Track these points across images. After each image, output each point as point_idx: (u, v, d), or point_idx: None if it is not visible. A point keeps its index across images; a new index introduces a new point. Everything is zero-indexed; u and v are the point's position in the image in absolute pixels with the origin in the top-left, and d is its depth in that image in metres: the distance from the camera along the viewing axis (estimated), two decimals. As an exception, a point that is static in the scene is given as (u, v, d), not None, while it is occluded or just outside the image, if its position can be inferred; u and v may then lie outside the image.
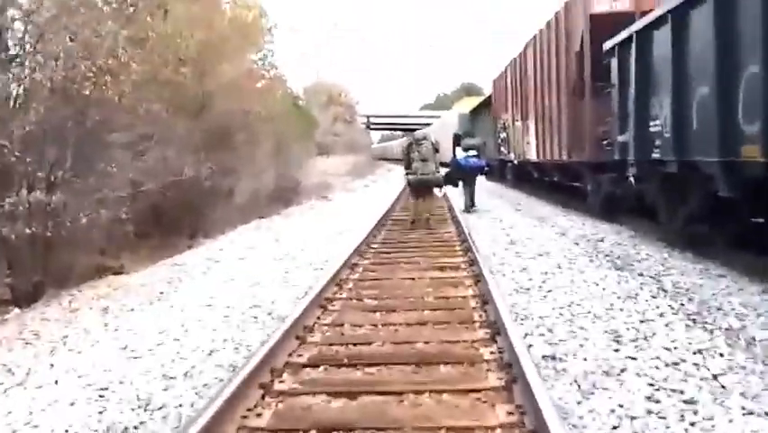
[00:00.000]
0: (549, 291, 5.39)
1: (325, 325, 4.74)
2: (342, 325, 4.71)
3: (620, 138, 8.99)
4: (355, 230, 10.55)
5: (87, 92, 7.47)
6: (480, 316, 4.78)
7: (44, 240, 7.89)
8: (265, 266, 7.40)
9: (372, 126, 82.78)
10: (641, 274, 6.07)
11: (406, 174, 10.55)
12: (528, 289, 5.54)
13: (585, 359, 3.66)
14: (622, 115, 8.87)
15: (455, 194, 14.28)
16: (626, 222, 10.10)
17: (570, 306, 4.85)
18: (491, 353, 3.93)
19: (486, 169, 14.81)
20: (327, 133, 54.76)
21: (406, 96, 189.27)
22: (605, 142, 10.77)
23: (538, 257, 7.03)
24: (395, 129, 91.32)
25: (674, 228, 8.01)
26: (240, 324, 4.88)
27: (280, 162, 23.22)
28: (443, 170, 11.80)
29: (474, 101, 36.63)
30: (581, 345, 3.88)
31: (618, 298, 5.03)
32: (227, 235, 11.70)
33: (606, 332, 4.11)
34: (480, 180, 15.47)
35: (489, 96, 25.35)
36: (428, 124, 52.73)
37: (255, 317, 5.05)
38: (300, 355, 4.05)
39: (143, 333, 4.90)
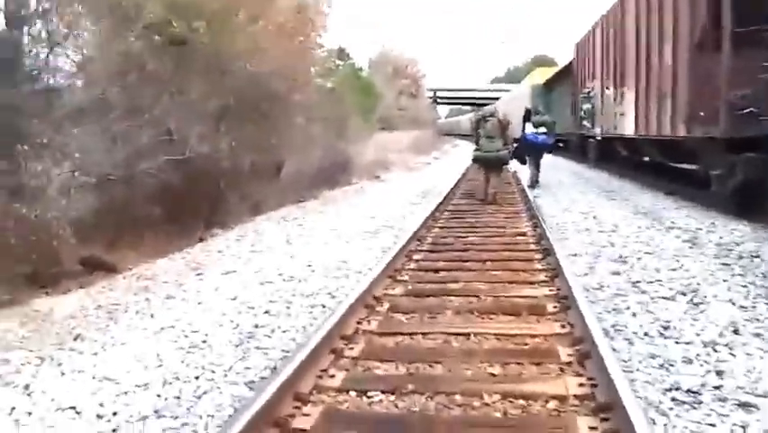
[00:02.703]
0: (747, 410, 2.66)
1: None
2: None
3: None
4: (398, 227, 8.01)
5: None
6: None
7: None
8: (240, 298, 4.82)
9: (439, 101, 79.42)
10: None
11: (474, 150, 10.39)
12: (698, 396, 2.78)
13: None
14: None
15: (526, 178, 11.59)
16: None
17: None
18: None
19: (553, 146, 14.06)
20: (392, 107, 52.10)
21: (476, 70, 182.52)
22: (746, 111, 7.81)
23: (679, 297, 4.25)
24: (463, 104, 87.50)
25: None
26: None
27: (332, 137, 20.84)
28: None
29: (549, 71, 33.03)
30: None
31: None
32: (240, 228, 9.38)
33: None
34: (559, 161, 14.69)
35: (568, 65, 22.14)
36: (497, 98, 49.22)
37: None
38: None
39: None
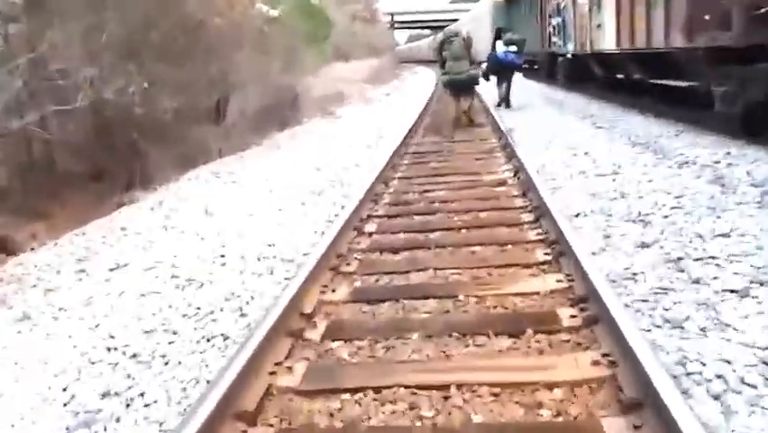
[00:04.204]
0: None
1: None
2: None
3: None
4: (347, 182, 6.50)
5: None
6: None
7: None
8: (104, 328, 3.27)
9: (397, 26, 76.27)
10: None
11: (441, 75, 10.16)
12: None
13: None
14: None
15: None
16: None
17: None
18: None
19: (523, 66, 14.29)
20: (345, 34, 49.33)
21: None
22: (765, 11, 6.37)
23: (758, 291, 2.78)
24: (423, 27, 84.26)
25: None
26: None
27: (280, 72, 18.91)
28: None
29: (511, -14, 30.94)
30: None
31: None
32: (161, 191, 7.79)
33: None
34: (526, 83, 14.11)
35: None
36: (459, 19, 46.85)
37: None
38: None
39: None
